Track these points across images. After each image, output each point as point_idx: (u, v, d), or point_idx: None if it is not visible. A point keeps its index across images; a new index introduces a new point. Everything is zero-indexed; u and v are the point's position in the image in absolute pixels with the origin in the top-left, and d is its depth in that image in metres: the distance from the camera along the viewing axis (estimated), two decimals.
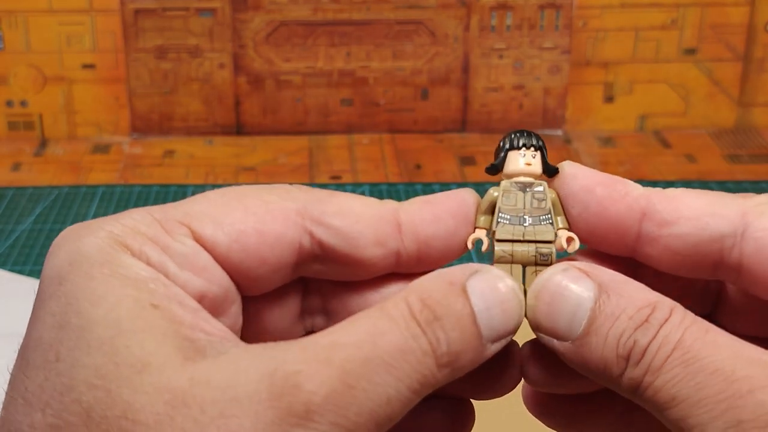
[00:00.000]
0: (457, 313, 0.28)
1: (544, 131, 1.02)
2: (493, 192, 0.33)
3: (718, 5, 0.99)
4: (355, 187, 0.90)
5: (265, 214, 0.31)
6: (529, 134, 0.34)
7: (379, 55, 0.99)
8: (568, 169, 0.32)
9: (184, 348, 0.27)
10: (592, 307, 0.29)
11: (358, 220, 0.32)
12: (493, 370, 0.33)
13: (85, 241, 0.28)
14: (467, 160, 0.95)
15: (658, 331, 0.28)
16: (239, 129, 1.01)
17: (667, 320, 0.28)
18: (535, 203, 0.33)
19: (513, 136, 0.34)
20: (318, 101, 1.00)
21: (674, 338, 0.28)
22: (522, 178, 0.33)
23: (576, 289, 0.29)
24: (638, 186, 0.32)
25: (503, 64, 1.00)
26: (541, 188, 0.33)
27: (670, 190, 0.32)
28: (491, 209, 0.33)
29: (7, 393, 0.28)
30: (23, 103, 0.99)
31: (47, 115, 1.00)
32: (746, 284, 0.31)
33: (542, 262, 0.32)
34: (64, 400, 0.26)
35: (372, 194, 0.89)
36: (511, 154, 0.33)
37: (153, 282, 0.28)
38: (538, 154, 0.33)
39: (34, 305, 0.29)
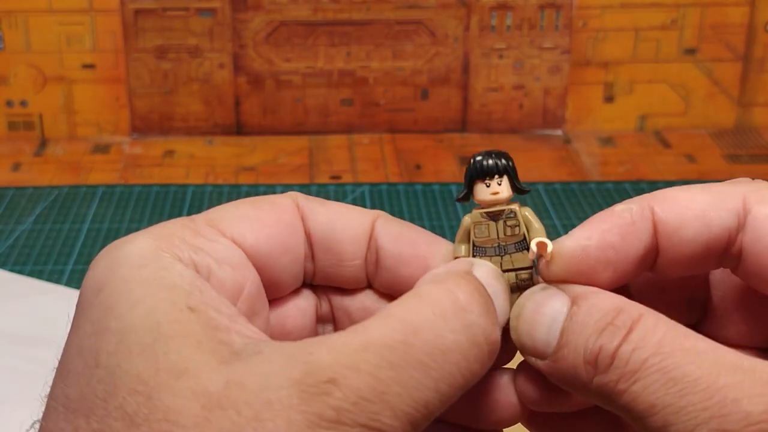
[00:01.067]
0: (487, 300, 0.29)
1: (544, 131, 1.02)
2: (468, 219, 0.33)
3: (718, 5, 0.99)
4: (355, 187, 0.90)
5: (276, 209, 0.33)
6: (491, 157, 0.33)
7: (379, 55, 0.99)
8: (568, 245, 0.31)
9: (220, 351, 0.27)
10: (565, 318, 0.29)
11: (339, 218, 0.34)
12: (493, 398, 0.33)
13: (124, 249, 0.29)
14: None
15: (627, 335, 0.28)
16: (239, 129, 1.01)
17: (637, 323, 0.28)
18: (509, 231, 0.32)
19: (474, 163, 0.33)
20: (318, 101, 1.00)
21: (650, 342, 0.27)
22: (491, 208, 0.32)
23: (551, 305, 0.30)
24: (630, 202, 0.31)
25: (503, 64, 1.00)
26: (512, 215, 0.32)
27: (669, 191, 0.31)
28: (468, 237, 0.33)
29: (46, 403, 0.28)
30: (23, 103, 0.99)
31: (47, 115, 1.00)
32: (745, 273, 0.31)
33: (524, 286, 0.32)
34: (108, 406, 0.26)
35: (372, 194, 0.89)
36: (477, 185, 0.33)
37: (189, 285, 0.29)
38: (504, 178, 0.33)
39: (74, 316, 0.29)
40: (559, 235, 0.31)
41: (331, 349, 0.27)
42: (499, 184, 0.32)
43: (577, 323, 0.29)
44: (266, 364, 0.27)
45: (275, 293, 0.34)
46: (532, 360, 0.30)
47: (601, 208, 0.32)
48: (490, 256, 0.32)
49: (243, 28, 0.98)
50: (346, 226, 0.34)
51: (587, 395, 0.29)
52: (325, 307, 0.35)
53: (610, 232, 0.31)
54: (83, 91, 0.99)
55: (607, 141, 1.00)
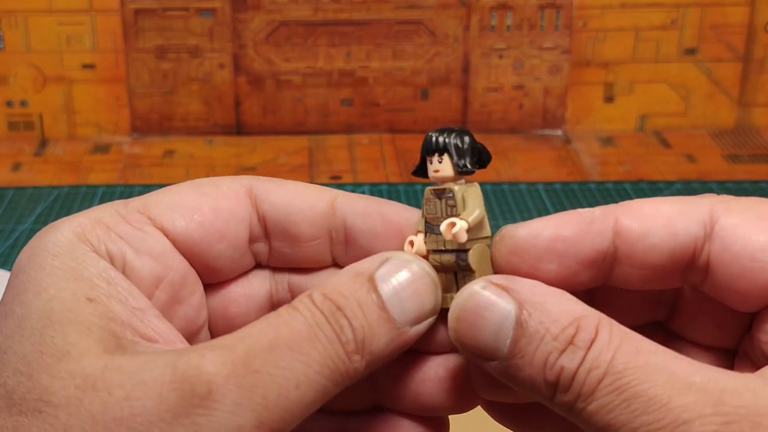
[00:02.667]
0: (360, 301, 0.29)
1: (544, 131, 1.02)
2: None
3: (718, 5, 0.99)
4: (355, 187, 0.90)
5: (218, 195, 0.33)
6: (440, 133, 0.32)
7: (379, 55, 0.99)
8: (521, 231, 0.31)
9: (108, 341, 0.28)
10: (515, 326, 0.28)
11: (296, 199, 0.33)
12: (450, 385, 0.32)
13: (48, 237, 0.30)
14: None
15: (585, 355, 0.27)
16: (239, 129, 1.01)
17: (594, 341, 0.27)
18: (449, 210, 0.32)
19: (424, 140, 0.32)
20: (318, 101, 1.01)
21: (604, 360, 0.27)
22: (438, 185, 0.32)
23: (496, 307, 0.29)
24: (596, 208, 0.31)
25: (503, 64, 1.00)
26: (451, 194, 0.32)
27: (635, 202, 0.31)
28: None
29: None
30: (23, 103, 0.99)
31: (47, 115, 1.00)
32: (711, 286, 0.31)
33: (464, 267, 0.31)
34: None
35: (372, 194, 0.89)
36: (427, 160, 0.32)
37: (98, 277, 0.29)
38: (445, 156, 0.32)
39: None
40: None
41: (210, 342, 0.28)
42: (440, 162, 0.32)
43: (532, 334, 0.28)
44: (147, 355, 0.27)
45: (215, 278, 0.34)
46: (476, 360, 0.30)
47: None
48: (437, 234, 0.32)
49: (243, 28, 0.98)
50: (303, 207, 0.33)
51: (543, 403, 0.29)
52: (282, 292, 0.35)
53: (564, 226, 0.31)
54: (83, 91, 0.99)
55: (607, 141, 1.00)
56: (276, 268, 0.35)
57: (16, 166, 0.95)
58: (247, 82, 1.00)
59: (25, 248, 0.30)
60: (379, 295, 0.29)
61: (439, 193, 0.32)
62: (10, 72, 0.98)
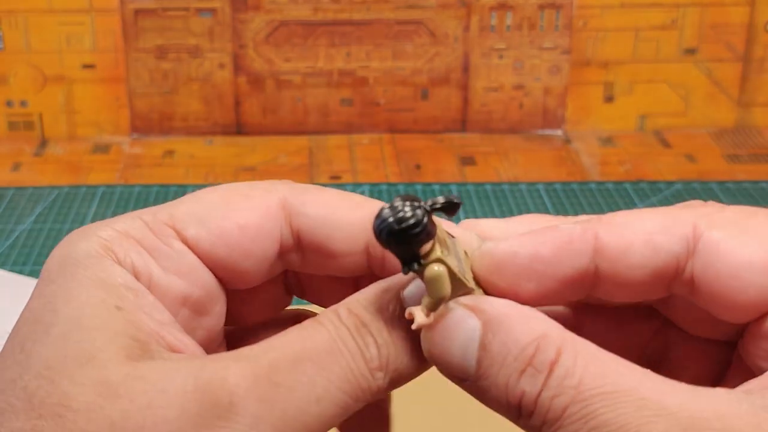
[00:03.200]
0: (386, 318, 0.29)
1: (544, 131, 1.02)
2: None
3: (718, 5, 0.99)
4: (355, 187, 0.90)
5: (247, 209, 0.32)
6: (379, 225, 0.28)
7: (379, 55, 0.99)
8: (499, 249, 0.30)
9: (132, 348, 0.28)
10: (479, 346, 0.28)
11: (333, 214, 0.33)
12: None
13: (77, 246, 0.30)
14: (467, 160, 0.95)
15: (548, 378, 0.27)
16: (239, 129, 1.01)
17: (555, 363, 0.27)
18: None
19: (373, 223, 0.28)
20: (318, 101, 1.01)
21: (569, 386, 0.26)
22: None
23: (464, 328, 0.28)
24: (575, 223, 0.30)
25: (503, 64, 1.00)
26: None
27: (616, 216, 0.30)
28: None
29: None
30: (23, 103, 0.99)
31: (47, 115, 1.00)
32: (698, 300, 0.30)
33: None
34: (15, 386, 0.27)
35: (372, 194, 0.89)
36: None
37: (126, 288, 0.29)
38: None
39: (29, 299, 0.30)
40: None
41: (233, 352, 0.28)
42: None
43: (494, 355, 0.28)
44: (170, 363, 0.27)
45: (240, 286, 0.33)
46: (451, 379, 0.29)
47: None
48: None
49: (243, 28, 0.98)
50: (340, 223, 0.32)
51: (516, 425, 0.29)
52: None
53: (543, 245, 0.30)
54: (83, 91, 0.99)
55: (607, 141, 1.00)
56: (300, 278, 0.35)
57: (16, 166, 0.95)
58: (247, 82, 1.00)
59: (54, 255, 0.30)
60: (394, 310, 0.29)
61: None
62: (10, 72, 0.98)
